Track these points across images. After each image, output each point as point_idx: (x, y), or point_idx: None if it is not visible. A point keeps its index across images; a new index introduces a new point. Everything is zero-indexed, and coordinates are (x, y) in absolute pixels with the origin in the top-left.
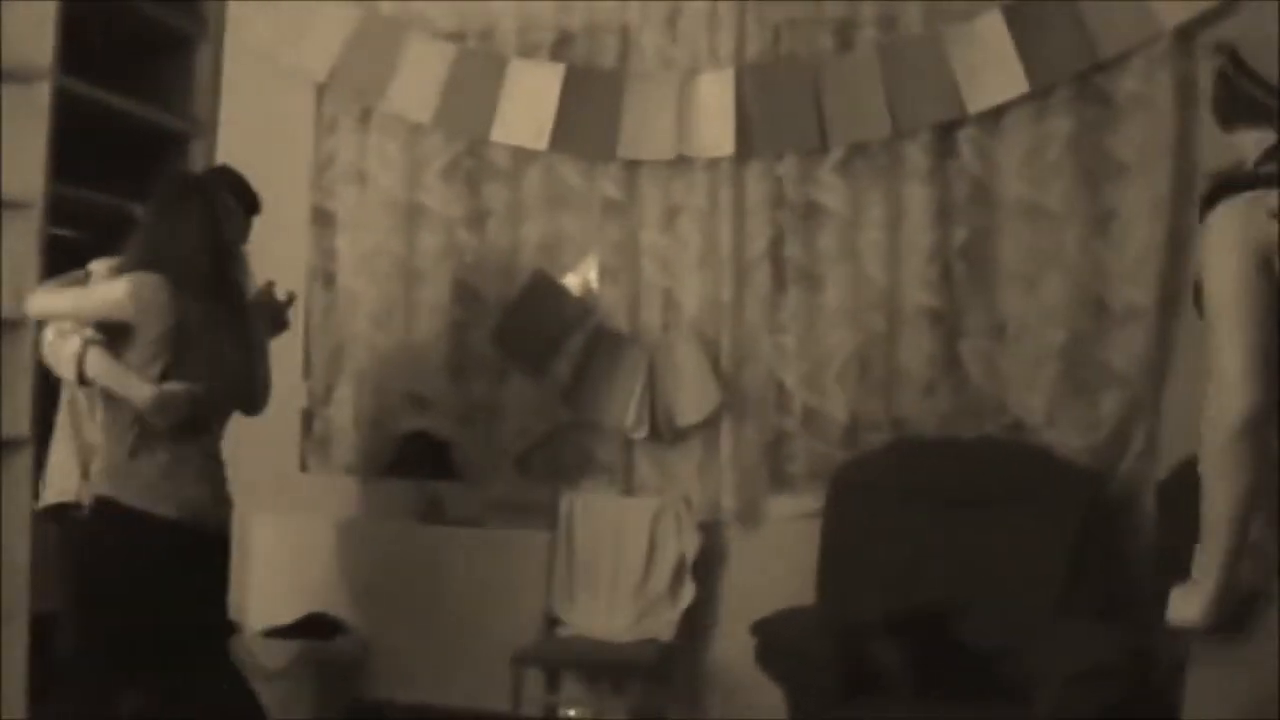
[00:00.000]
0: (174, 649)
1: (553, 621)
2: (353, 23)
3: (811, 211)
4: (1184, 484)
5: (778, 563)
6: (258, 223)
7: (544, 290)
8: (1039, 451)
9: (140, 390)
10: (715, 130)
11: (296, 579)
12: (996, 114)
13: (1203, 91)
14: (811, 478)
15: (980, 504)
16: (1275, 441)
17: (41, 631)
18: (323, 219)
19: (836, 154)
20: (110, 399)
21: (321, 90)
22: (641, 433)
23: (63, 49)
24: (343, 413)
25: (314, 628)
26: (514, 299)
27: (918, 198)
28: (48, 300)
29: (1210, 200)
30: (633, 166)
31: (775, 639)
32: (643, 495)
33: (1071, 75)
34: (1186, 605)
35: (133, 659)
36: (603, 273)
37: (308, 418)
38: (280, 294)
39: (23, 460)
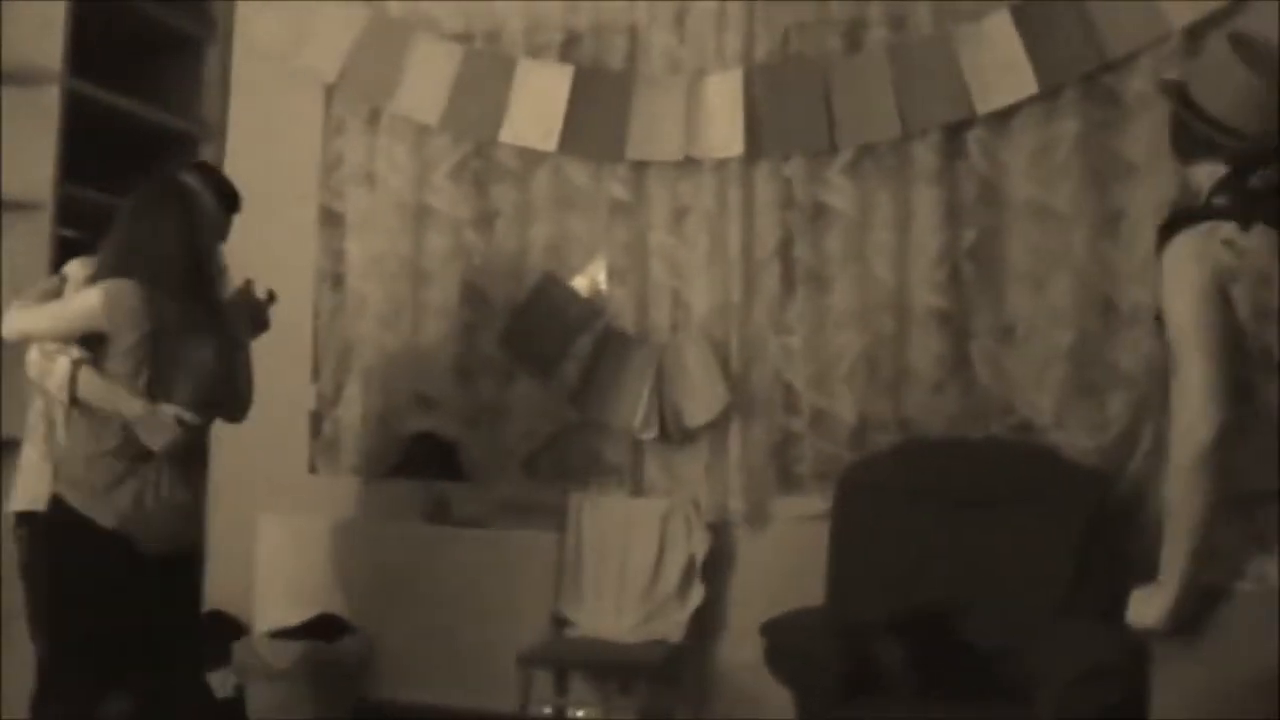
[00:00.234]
0: (138, 658)
1: (561, 622)
2: (360, 24)
3: (820, 212)
4: None
5: (786, 563)
6: (266, 224)
7: (552, 292)
8: (1046, 452)
9: (132, 408)
10: (724, 131)
11: (304, 580)
12: (1005, 115)
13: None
14: (819, 478)
15: (988, 504)
16: (1236, 453)
17: None
18: (331, 220)
19: (845, 155)
20: (88, 410)
21: (330, 91)
22: (650, 434)
23: (71, 51)
24: (351, 414)
25: (321, 628)
26: (522, 300)
27: (926, 198)
28: (24, 321)
29: (1167, 231)
30: (641, 167)
31: (784, 640)
32: (651, 496)
33: (1080, 76)
34: (1147, 608)
35: (99, 664)
36: (611, 274)
37: (316, 419)
38: (260, 292)
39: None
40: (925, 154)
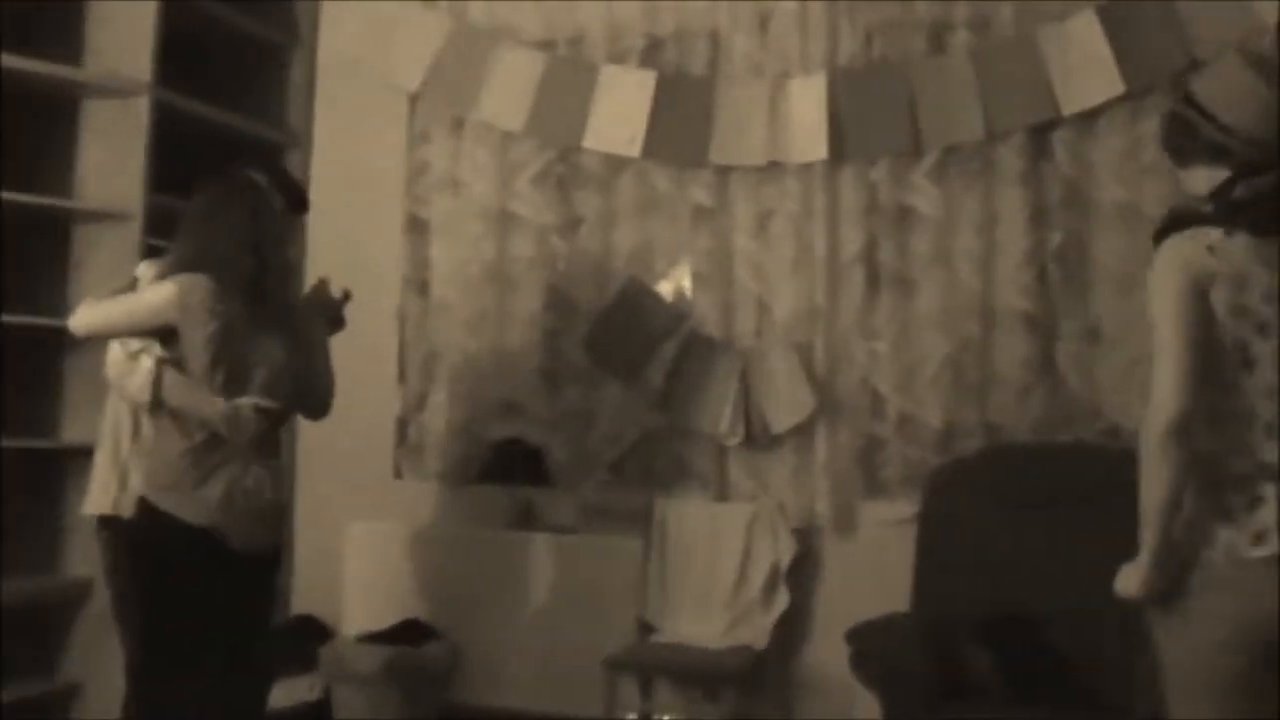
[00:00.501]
0: (214, 658)
1: (646, 628)
2: (443, 33)
3: (905, 216)
4: None
5: (872, 569)
6: (352, 231)
7: (636, 297)
8: (1135, 457)
9: (214, 407)
10: (807, 135)
11: (390, 585)
12: (1091, 115)
13: None
14: (906, 483)
15: (1075, 509)
16: (1201, 439)
17: None
18: (416, 227)
19: (930, 158)
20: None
21: (414, 100)
22: (735, 439)
23: (160, 62)
24: (436, 420)
25: (407, 634)
26: (606, 306)
27: (1011, 201)
28: (94, 316)
29: (1161, 234)
30: (724, 172)
31: (870, 646)
32: (736, 501)
33: (1168, 75)
34: (1129, 580)
35: (188, 664)
36: (695, 279)
37: (402, 425)
38: (335, 291)
39: None
40: (1010, 156)
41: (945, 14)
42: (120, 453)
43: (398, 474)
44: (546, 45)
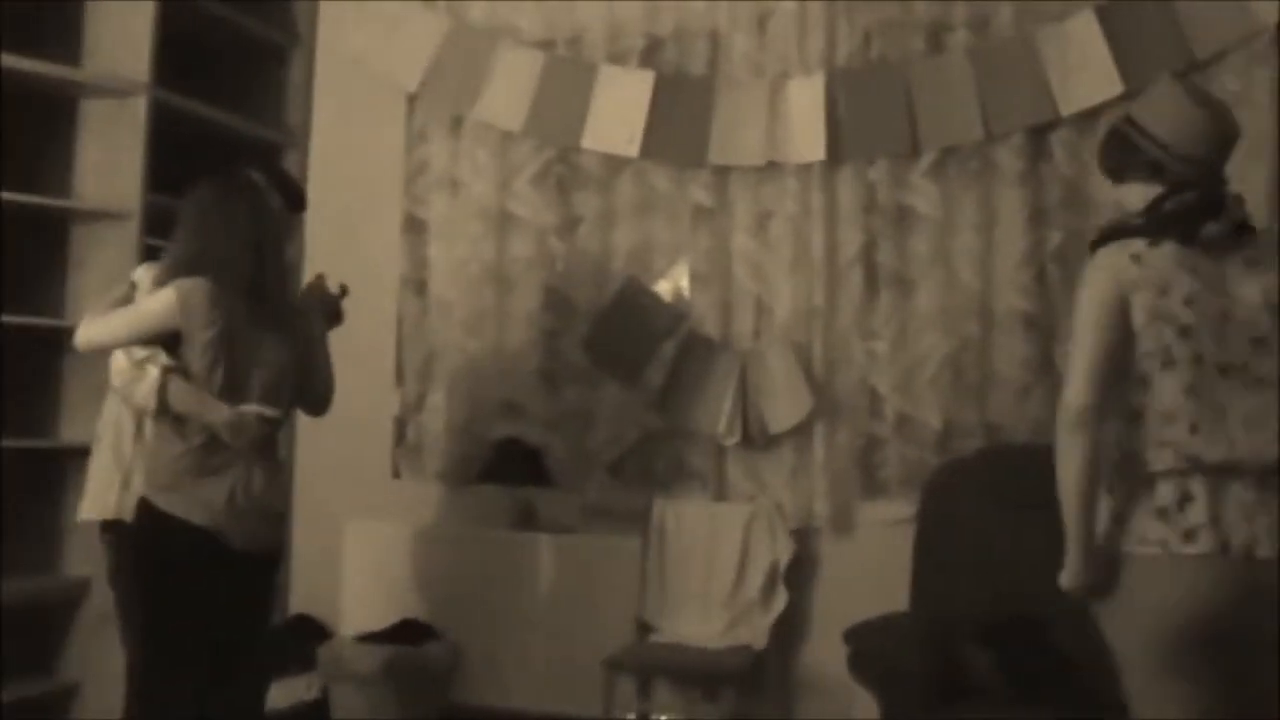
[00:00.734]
0: (217, 658)
1: (645, 628)
2: (442, 32)
3: (903, 216)
4: None
5: (870, 569)
6: (351, 231)
7: (635, 297)
8: None
9: (219, 414)
10: (806, 135)
11: (389, 585)
12: (1090, 116)
13: None
14: (904, 484)
15: None
16: (1126, 437)
17: None
18: (415, 227)
19: (928, 158)
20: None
21: (413, 99)
22: (733, 439)
23: (158, 62)
24: (435, 420)
25: (406, 634)
26: (605, 306)
27: (1010, 201)
28: (98, 331)
29: (1096, 245)
30: (723, 172)
31: (868, 646)
32: (735, 501)
33: (1168, 75)
34: (1064, 574)
35: (191, 665)
36: (694, 279)
37: (400, 425)
38: (332, 287)
39: None
40: (1009, 156)
41: (944, 14)
42: (123, 456)
43: (396, 474)
44: (546, 45)
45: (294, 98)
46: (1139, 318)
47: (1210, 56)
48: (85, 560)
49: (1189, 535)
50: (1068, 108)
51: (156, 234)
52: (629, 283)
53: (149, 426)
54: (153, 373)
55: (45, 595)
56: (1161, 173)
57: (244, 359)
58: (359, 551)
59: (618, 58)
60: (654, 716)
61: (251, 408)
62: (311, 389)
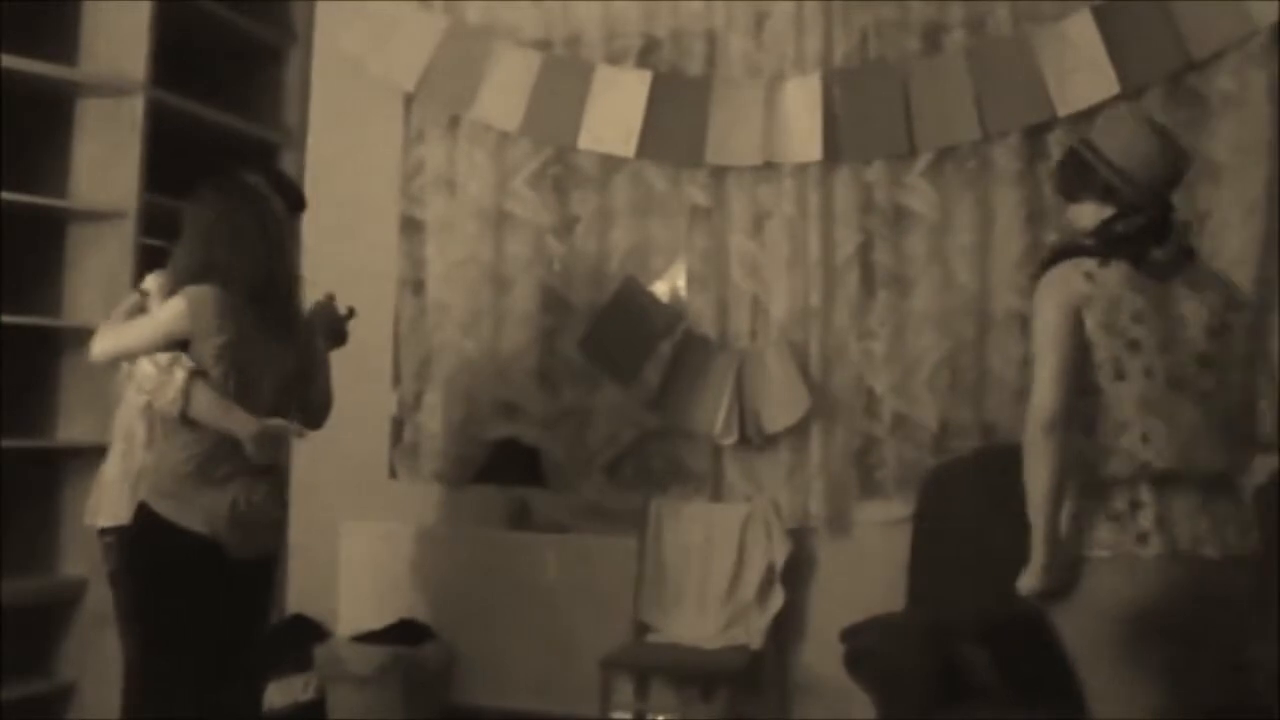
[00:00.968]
0: (215, 660)
1: (641, 628)
2: (440, 32)
3: (900, 216)
4: None
5: (867, 569)
6: (347, 231)
7: (633, 297)
8: None
9: (245, 426)
10: (803, 135)
11: (386, 586)
12: (1087, 116)
13: None
14: (901, 484)
15: None
16: (1082, 446)
17: None
18: (411, 227)
19: (925, 158)
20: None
21: (410, 99)
22: (730, 439)
23: (155, 62)
24: (432, 420)
25: (403, 634)
26: (603, 306)
27: (1007, 201)
28: (113, 341)
29: (1048, 264)
30: (720, 172)
31: (864, 646)
32: (731, 501)
33: (1164, 75)
34: (1026, 577)
35: (187, 669)
36: (691, 279)
37: (397, 425)
38: (340, 308)
39: None
40: (1006, 156)
41: (940, 14)
42: (132, 463)
43: (393, 474)
44: (543, 45)
45: (291, 98)
46: (1092, 331)
47: (1207, 57)
48: (82, 560)
49: (1141, 539)
50: (1064, 108)
51: (153, 234)
52: (626, 283)
53: (159, 433)
54: (179, 376)
55: (42, 595)
56: (1114, 195)
57: (254, 366)
58: (356, 552)
59: (615, 58)
60: (651, 716)
61: (279, 422)
62: (309, 402)
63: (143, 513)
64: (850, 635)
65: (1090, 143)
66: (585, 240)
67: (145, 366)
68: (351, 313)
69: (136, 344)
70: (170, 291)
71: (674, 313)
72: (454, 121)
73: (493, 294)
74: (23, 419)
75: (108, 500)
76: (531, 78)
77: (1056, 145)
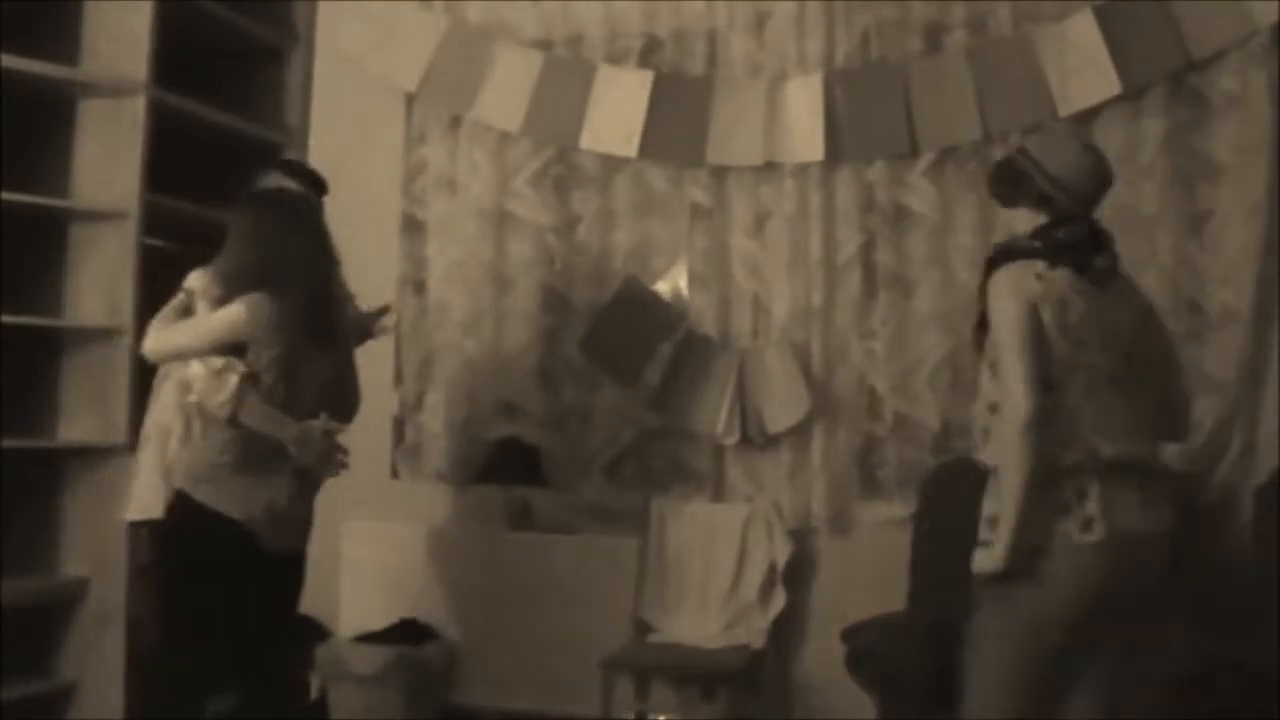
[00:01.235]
0: (248, 653)
1: (643, 627)
2: (441, 32)
3: (901, 216)
4: None
5: (868, 569)
6: (349, 231)
7: (634, 297)
8: None
9: (289, 431)
10: (804, 135)
11: (387, 585)
12: (1088, 116)
13: None
14: (902, 483)
15: None
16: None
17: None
18: (413, 227)
19: (926, 158)
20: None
21: (411, 99)
22: (732, 439)
23: (156, 62)
24: (433, 420)
25: (405, 634)
26: (604, 305)
27: None
28: (165, 341)
29: (994, 264)
30: (721, 172)
31: (866, 646)
32: (733, 501)
33: (1165, 75)
34: (986, 559)
35: (214, 661)
36: (692, 279)
37: (398, 425)
38: (364, 305)
39: (119, 467)
40: None
41: (942, 14)
42: (168, 458)
43: (395, 474)
44: (544, 45)
45: (292, 98)
46: (1048, 328)
47: (1208, 57)
48: (83, 560)
49: (1087, 525)
50: (1066, 108)
51: (154, 234)
52: (627, 282)
53: (195, 430)
54: (232, 381)
55: (42, 595)
56: (1049, 203)
57: (300, 373)
58: (357, 552)
59: (616, 58)
60: (652, 716)
61: (317, 422)
62: (344, 400)
63: (180, 501)
64: (851, 635)
65: (1028, 152)
66: (586, 240)
67: (197, 368)
68: (385, 309)
69: (190, 346)
70: (222, 295)
71: (675, 313)
72: (455, 121)
73: (494, 294)
74: (23, 419)
75: (141, 493)
76: (533, 78)
77: None
